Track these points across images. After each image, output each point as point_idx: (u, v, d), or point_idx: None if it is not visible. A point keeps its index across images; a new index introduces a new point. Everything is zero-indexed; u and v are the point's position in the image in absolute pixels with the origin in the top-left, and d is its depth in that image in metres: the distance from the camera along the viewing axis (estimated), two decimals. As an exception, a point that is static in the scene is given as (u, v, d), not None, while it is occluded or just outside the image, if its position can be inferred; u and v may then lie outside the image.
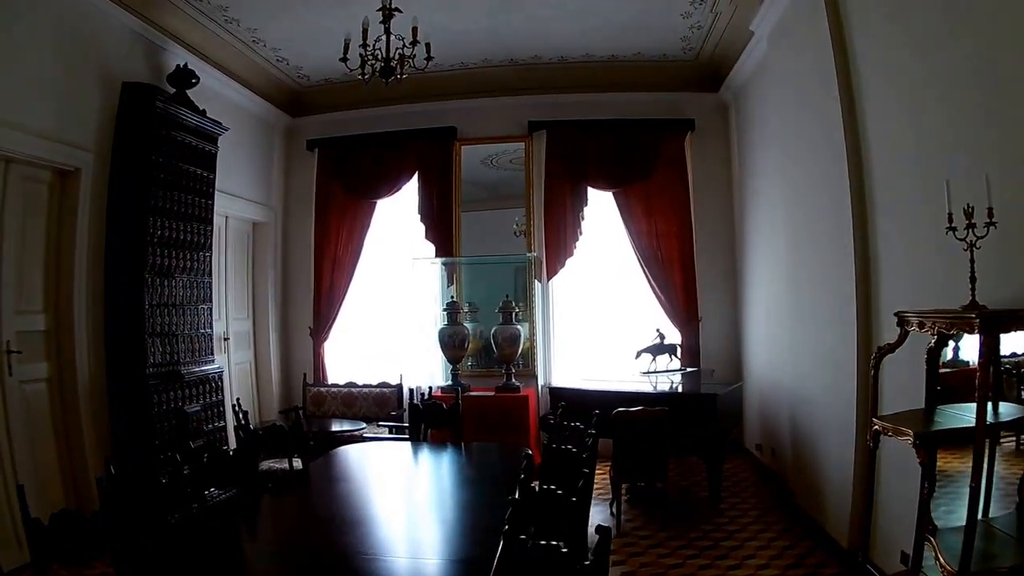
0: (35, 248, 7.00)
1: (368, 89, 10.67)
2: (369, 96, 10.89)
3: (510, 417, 9.81)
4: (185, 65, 8.30)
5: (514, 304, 10.37)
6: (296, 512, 4.90)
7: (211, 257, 8.79)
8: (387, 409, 10.57)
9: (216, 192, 8.83)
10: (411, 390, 10.63)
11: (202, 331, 8.52)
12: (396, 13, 7.04)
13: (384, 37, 7.00)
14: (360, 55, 6.96)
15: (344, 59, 7.01)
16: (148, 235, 7.62)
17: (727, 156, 10.79)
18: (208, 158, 8.65)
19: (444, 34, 8.92)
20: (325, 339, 11.40)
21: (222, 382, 8.77)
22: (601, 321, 11.09)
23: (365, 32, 6.87)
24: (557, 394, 8.93)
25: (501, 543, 3.32)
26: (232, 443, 8.84)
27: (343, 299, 11.35)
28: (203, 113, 8.45)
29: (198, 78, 8.38)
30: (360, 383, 10.94)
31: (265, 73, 10.43)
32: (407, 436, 8.87)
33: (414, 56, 7.04)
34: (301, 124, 11.65)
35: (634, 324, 10.69)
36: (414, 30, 6.94)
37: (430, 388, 10.33)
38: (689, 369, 10.09)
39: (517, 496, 3.91)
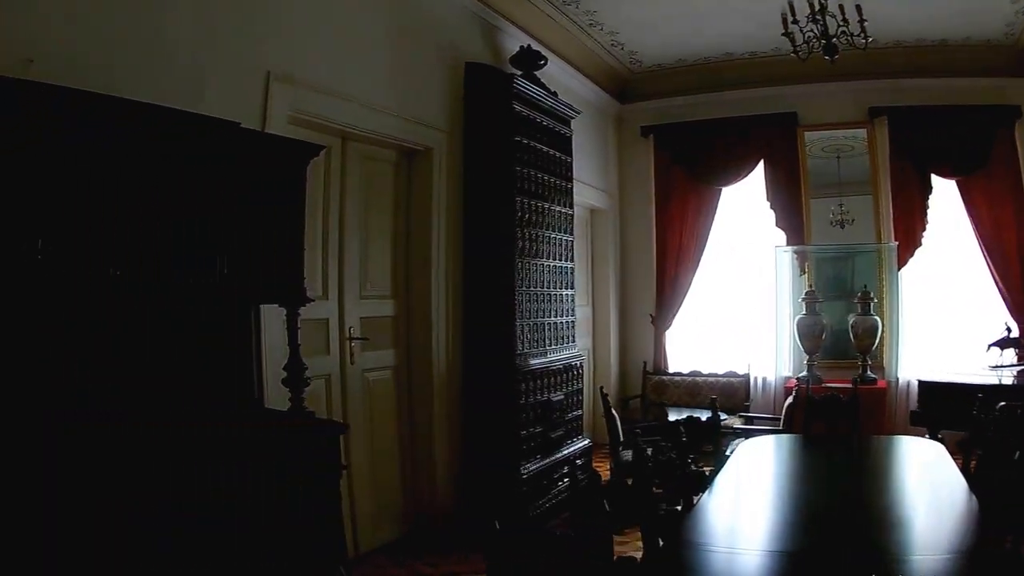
0: (381, 230, 6.40)
1: (699, 75, 10.31)
2: (701, 82, 10.24)
3: (867, 409, 8.58)
4: (529, 47, 7.51)
5: (872, 294, 9.34)
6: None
7: (573, 243, 8.00)
8: (734, 399, 9.53)
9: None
10: (790, 380, 9.56)
11: (565, 318, 7.75)
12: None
13: (813, 13, 6.35)
14: (801, 32, 6.36)
15: (786, 34, 6.33)
16: (517, 217, 6.86)
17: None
18: (564, 141, 7.89)
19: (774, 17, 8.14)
20: (667, 327, 10.47)
21: (583, 370, 7.98)
22: (942, 312, 9.78)
23: (812, 8, 6.26)
24: (927, 387, 8.13)
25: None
26: (586, 433, 8.07)
27: (688, 287, 10.39)
28: (555, 95, 7.65)
29: (545, 60, 7.58)
30: (705, 372, 9.96)
31: (596, 58, 9.61)
32: (776, 429, 7.69)
33: (857, 35, 6.33)
34: (629, 111, 10.78)
35: (974, 317, 9.48)
36: (858, 8, 6.25)
37: (806, 378, 9.14)
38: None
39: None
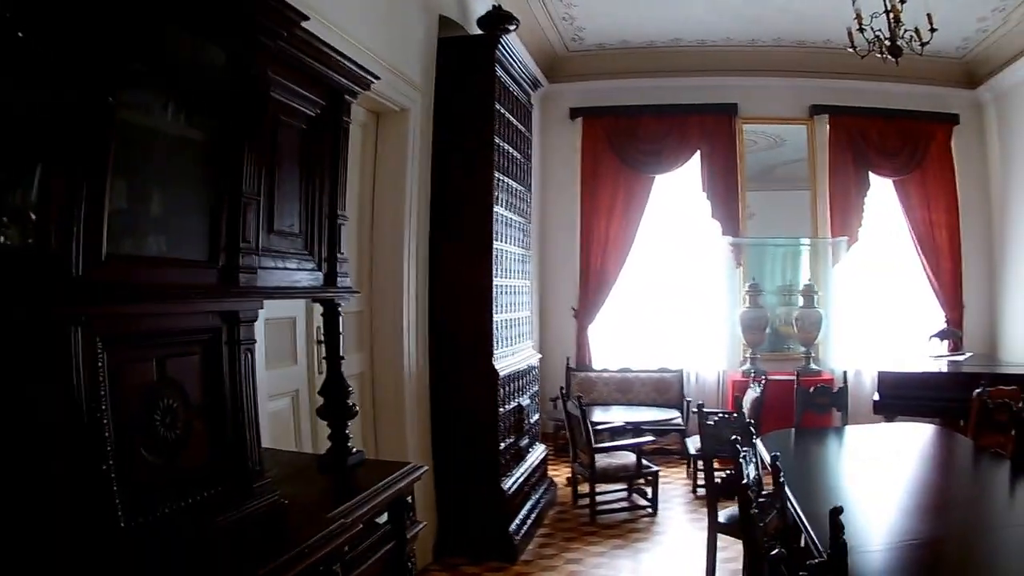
0: (347, 206, 4.87)
1: (636, 58, 9.35)
2: (636, 66, 9.35)
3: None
4: (499, 7, 6.07)
5: (815, 287, 8.93)
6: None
7: (532, 229, 6.69)
8: (667, 395, 8.69)
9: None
10: (734, 373, 8.85)
11: (524, 313, 6.46)
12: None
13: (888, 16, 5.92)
14: (872, 30, 5.98)
15: (860, 29, 5.97)
16: (495, 199, 5.50)
17: (984, 151, 9.48)
18: (528, 115, 6.61)
19: (743, 8, 7.90)
20: (591, 322, 9.32)
21: (539, 371, 6.69)
22: (875, 305, 9.52)
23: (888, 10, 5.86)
24: (884, 378, 7.79)
25: None
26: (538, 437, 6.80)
27: (615, 280, 9.27)
28: (524, 64, 6.31)
29: (517, 23, 6.08)
30: (635, 368, 8.93)
31: (536, 31, 8.37)
32: (743, 422, 6.77)
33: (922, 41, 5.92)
34: (556, 90, 9.54)
35: (903, 309, 9.52)
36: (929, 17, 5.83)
37: (760, 371, 8.27)
38: (968, 353, 8.76)
39: None
